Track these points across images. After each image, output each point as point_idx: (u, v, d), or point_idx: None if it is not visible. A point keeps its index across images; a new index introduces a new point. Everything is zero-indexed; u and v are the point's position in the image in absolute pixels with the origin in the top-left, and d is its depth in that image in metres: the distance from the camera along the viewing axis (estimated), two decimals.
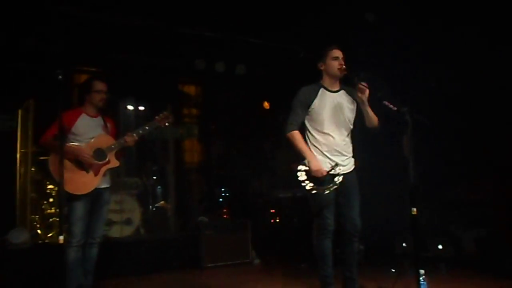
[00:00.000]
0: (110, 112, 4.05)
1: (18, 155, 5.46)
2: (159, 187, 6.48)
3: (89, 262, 3.63)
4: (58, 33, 5.60)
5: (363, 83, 3.20)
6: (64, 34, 5.60)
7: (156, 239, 5.43)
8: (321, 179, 3.17)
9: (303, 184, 3.14)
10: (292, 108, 3.40)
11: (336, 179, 3.18)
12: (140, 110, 6.88)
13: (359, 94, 3.23)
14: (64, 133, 3.32)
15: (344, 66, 3.31)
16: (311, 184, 3.14)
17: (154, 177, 6.38)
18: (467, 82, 4.73)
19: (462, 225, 5.06)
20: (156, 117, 3.80)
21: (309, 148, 3.34)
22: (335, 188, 3.17)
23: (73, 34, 5.60)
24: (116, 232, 5.33)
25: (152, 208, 6.15)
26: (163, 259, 5.13)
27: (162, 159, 6.76)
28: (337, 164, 3.23)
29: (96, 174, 3.57)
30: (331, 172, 3.21)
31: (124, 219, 5.42)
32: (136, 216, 5.56)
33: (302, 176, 3.16)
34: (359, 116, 3.41)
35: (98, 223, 3.68)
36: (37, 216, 5.45)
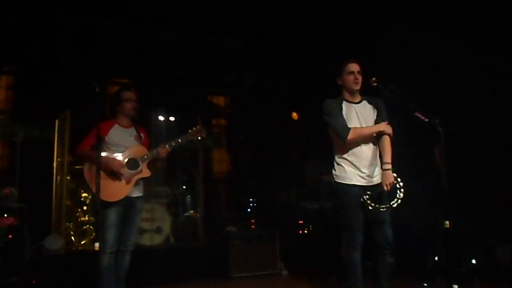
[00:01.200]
0: (141, 122, 4.15)
1: (54, 164, 5.65)
2: (188, 196, 6.56)
3: (121, 269, 3.68)
4: (93, 46, 5.80)
5: None
6: (99, 47, 5.80)
7: (185, 248, 5.50)
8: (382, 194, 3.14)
9: (367, 205, 3.12)
10: (327, 120, 3.35)
11: (397, 198, 3.12)
12: (170, 121, 7.02)
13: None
14: (100, 143, 3.42)
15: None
16: (373, 204, 3.12)
17: (184, 187, 6.47)
18: (504, 94, 4.63)
19: (497, 239, 4.90)
20: (190, 130, 3.85)
21: (338, 158, 3.33)
22: (397, 203, 3.12)
23: (108, 46, 5.80)
24: (147, 240, 5.41)
25: (182, 217, 6.23)
26: (192, 268, 5.18)
27: (191, 169, 6.84)
28: (399, 187, 3.16)
29: (127, 183, 3.63)
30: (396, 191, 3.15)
31: (154, 227, 5.50)
32: (166, 225, 5.63)
33: (364, 198, 3.15)
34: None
35: (131, 231, 3.73)
36: (71, 224, 5.61)
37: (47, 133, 5.81)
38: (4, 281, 4.34)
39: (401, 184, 3.13)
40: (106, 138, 3.64)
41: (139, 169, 3.69)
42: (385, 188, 3.16)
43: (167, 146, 3.75)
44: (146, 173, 3.73)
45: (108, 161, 3.59)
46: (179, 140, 3.81)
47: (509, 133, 4.65)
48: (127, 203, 3.65)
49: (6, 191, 5.12)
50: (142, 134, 3.90)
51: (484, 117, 4.73)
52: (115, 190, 3.57)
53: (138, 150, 3.74)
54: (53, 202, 5.58)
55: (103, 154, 3.59)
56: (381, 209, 3.12)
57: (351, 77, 3.35)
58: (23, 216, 5.09)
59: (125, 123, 3.82)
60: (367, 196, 3.14)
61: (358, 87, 3.35)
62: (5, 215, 4.99)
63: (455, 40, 4.74)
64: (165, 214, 5.68)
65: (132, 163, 3.67)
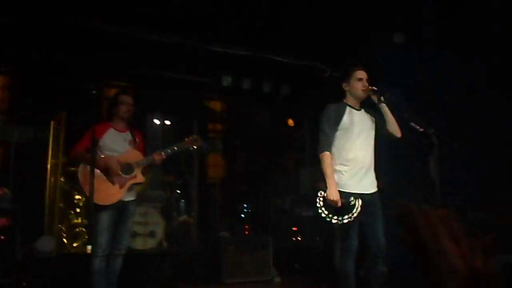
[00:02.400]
0: (137, 126, 4.14)
1: (48, 166, 5.62)
2: (182, 201, 6.55)
3: (112, 273, 3.67)
4: (90, 48, 5.80)
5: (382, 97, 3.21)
6: (96, 49, 5.80)
7: (178, 253, 5.49)
8: (339, 208, 3.15)
9: (320, 211, 3.14)
10: (321, 127, 3.38)
11: (354, 211, 3.14)
12: (166, 125, 7.01)
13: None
14: (95, 146, 3.41)
15: (369, 87, 3.32)
16: (327, 212, 3.14)
17: (178, 191, 6.46)
18: (500, 107, 4.66)
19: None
20: (186, 139, 3.87)
21: (337, 165, 3.34)
22: (351, 220, 3.14)
23: (105, 49, 5.80)
24: (139, 244, 5.39)
25: (175, 221, 6.21)
26: (185, 272, 5.17)
27: (186, 173, 6.84)
28: (355, 198, 3.19)
29: (121, 187, 3.63)
30: (350, 203, 3.18)
31: (148, 231, 5.48)
32: (160, 229, 5.62)
33: (320, 202, 3.16)
34: (384, 134, 3.40)
35: (123, 235, 3.73)
36: (64, 226, 5.57)
37: (42, 134, 5.78)
38: None
39: (359, 201, 3.14)
40: (100, 142, 3.62)
41: (133, 174, 3.68)
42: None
43: (163, 153, 3.75)
44: (140, 178, 3.73)
45: (106, 161, 3.58)
46: (175, 148, 3.82)
47: (502, 143, 4.68)
48: (120, 207, 3.65)
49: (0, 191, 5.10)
50: (137, 139, 3.88)
51: (478, 127, 4.76)
52: (108, 194, 3.57)
53: (133, 155, 3.74)
54: (46, 204, 5.55)
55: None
56: (339, 222, 3.13)
57: (359, 84, 3.36)
58: (15, 217, 5.05)
59: (120, 127, 3.81)
60: (325, 209, 3.15)
61: (365, 95, 3.37)
62: None
63: (449, 50, 4.78)
64: (158, 218, 5.66)
65: (127, 168, 3.66)
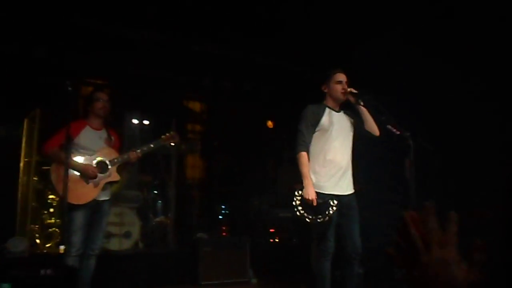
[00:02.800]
0: (114, 125, 4.10)
1: (21, 164, 5.48)
2: (159, 201, 6.48)
3: (86, 273, 3.63)
4: (67, 45, 5.69)
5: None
6: (73, 45, 5.70)
7: (155, 254, 5.42)
8: (315, 207, 3.18)
9: (295, 209, 3.17)
10: (299, 127, 3.41)
11: (330, 209, 3.17)
12: (144, 124, 6.93)
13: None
14: (70, 144, 3.35)
15: (348, 90, 3.36)
16: (303, 211, 3.16)
17: (155, 191, 6.38)
18: (473, 110, 4.77)
19: (461, 252, 5.00)
20: (162, 136, 3.85)
21: (315, 166, 3.35)
22: (326, 219, 3.17)
23: (82, 46, 5.70)
24: (114, 245, 5.31)
25: (152, 222, 6.14)
26: (161, 274, 5.10)
27: (163, 174, 6.77)
28: (331, 198, 3.22)
29: (95, 186, 3.59)
30: (326, 203, 3.21)
31: (123, 232, 5.40)
32: (136, 229, 5.54)
33: (297, 201, 3.18)
34: (359, 137, 3.44)
35: (97, 235, 3.69)
36: (36, 226, 5.44)
37: (15, 132, 5.63)
38: None
39: (335, 202, 3.17)
40: (76, 140, 3.57)
41: (107, 172, 3.63)
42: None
43: (138, 151, 3.72)
44: (115, 177, 3.69)
45: (80, 168, 3.53)
46: (152, 145, 3.80)
47: (479, 145, 4.79)
48: (94, 206, 3.61)
49: None
50: (113, 137, 3.84)
51: (454, 129, 4.86)
52: (82, 193, 3.52)
53: (108, 153, 3.69)
54: (19, 203, 5.41)
55: (73, 157, 3.51)
56: (318, 221, 3.16)
57: (339, 87, 3.39)
58: None
59: (96, 125, 3.76)
60: (300, 208, 3.19)
61: (344, 97, 3.40)
62: None
63: (429, 54, 4.87)
64: (134, 219, 5.59)
65: (101, 166, 3.62)
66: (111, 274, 4.69)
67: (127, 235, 5.42)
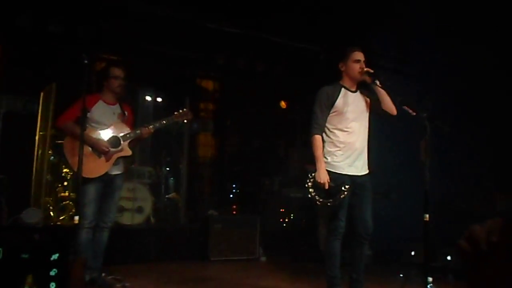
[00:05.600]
0: (128, 101, 4.10)
1: (37, 137, 5.56)
2: (171, 178, 6.54)
3: (99, 245, 3.68)
4: (82, 19, 5.68)
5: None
6: (88, 20, 5.69)
7: (166, 229, 5.50)
8: (327, 190, 3.18)
9: (308, 191, 3.19)
10: (314, 110, 3.37)
11: (341, 194, 3.17)
12: (158, 102, 6.95)
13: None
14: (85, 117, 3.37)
15: (365, 69, 3.31)
16: (314, 194, 3.17)
17: (168, 168, 6.44)
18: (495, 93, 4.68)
19: None
20: (176, 112, 3.83)
21: (330, 145, 3.34)
22: (336, 203, 3.18)
23: (98, 21, 5.69)
24: (127, 219, 5.39)
25: (164, 198, 6.21)
26: (171, 249, 5.19)
27: (176, 151, 6.82)
28: (343, 183, 3.22)
29: (107, 160, 3.61)
30: (338, 186, 3.20)
31: (136, 207, 5.47)
32: (148, 205, 5.61)
33: (309, 182, 3.19)
34: (379, 113, 3.40)
35: (110, 208, 3.74)
36: (51, 199, 5.54)
37: (31, 105, 5.70)
38: None
39: (346, 187, 3.17)
40: (89, 114, 3.57)
41: (120, 147, 3.65)
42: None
43: (150, 126, 3.73)
44: (127, 152, 3.71)
45: (93, 142, 3.55)
46: (164, 121, 3.79)
47: (495, 130, 4.71)
48: (107, 180, 3.65)
49: None
50: (126, 112, 3.85)
51: (472, 111, 4.77)
52: (94, 167, 3.55)
53: (121, 128, 3.70)
54: (33, 176, 5.50)
55: (86, 131, 3.48)
56: (328, 204, 3.17)
57: (357, 66, 3.33)
58: (1, 187, 5.01)
59: (110, 100, 3.77)
60: (312, 190, 3.19)
61: (362, 77, 3.34)
62: None
63: (450, 35, 4.77)
64: (147, 194, 5.65)
65: (114, 141, 3.64)
66: (123, 247, 4.78)
67: (139, 210, 5.50)
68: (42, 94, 5.57)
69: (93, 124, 3.61)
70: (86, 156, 3.43)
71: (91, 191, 3.54)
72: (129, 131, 3.70)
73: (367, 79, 3.29)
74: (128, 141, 3.69)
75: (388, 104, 3.31)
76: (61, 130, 3.77)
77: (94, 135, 3.59)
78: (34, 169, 5.53)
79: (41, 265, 1.63)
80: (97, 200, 3.59)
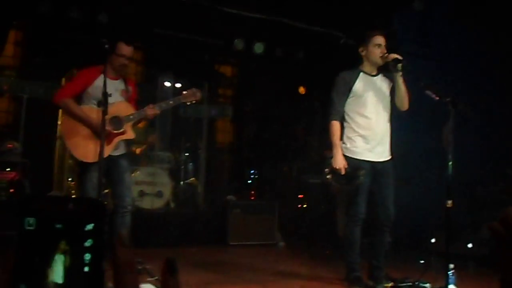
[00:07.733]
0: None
1: (59, 122, 5.64)
2: (190, 163, 6.58)
3: (121, 229, 3.63)
4: (103, 5, 5.71)
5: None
6: (109, 6, 5.71)
7: (185, 214, 5.57)
8: (344, 175, 3.18)
9: (326, 176, 3.20)
10: (331, 96, 3.35)
11: (358, 179, 3.17)
12: (177, 87, 6.97)
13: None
14: (80, 91, 3.27)
15: (386, 54, 3.24)
16: (331, 178, 3.20)
17: (186, 154, 6.48)
18: None
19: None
20: (184, 92, 3.57)
21: (349, 131, 3.31)
22: (353, 188, 3.18)
23: (118, 7, 5.70)
24: (147, 203, 5.45)
25: (183, 183, 6.27)
26: (190, 233, 5.25)
27: (195, 137, 6.85)
28: (360, 167, 3.20)
29: (108, 144, 3.24)
30: (355, 171, 3.20)
31: (155, 191, 5.53)
32: (167, 189, 5.66)
33: (328, 168, 3.21)
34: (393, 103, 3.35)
35: (123, 191, 3.44)
36: (73, 182, 5.64)
37: (53, 91, 5.77)
38: (3, 234, 4.39)
39: (362, 172, 3.17)
40: (89, 89, 3.29)
41: (122, 129, 3.33)
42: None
43: (156, 107, 3.43)
44: (130, 134, 3.40)
45: (92, 123, 3.22)
46: (171, 101, 3.57)
47: None
48: (110, 163, 3.32)
49: (9, 145, 5.15)
50: (130, 87, 3.53)
51: (494, 97, 4.66)
52: (94, 150, 3.13)
53: (124, 107, 3.39)
54: (56, 160, 5.60)
55: (85, 109, 3.29)
56: (343, 189, 3.23)
57: (377, 50, 3.27)
58: (25, 171, 5.13)
59: (112, 74, 3.39)
60: (329, 175, 3.20)
61: (382, 62, 3.28)
62: (8, 169, 5.03)
63: (471, 21, 4.64)
64: (166, 179, 5.70)
65: (115, 122, 3.30)
66: (142, 231, 4.84)
67: (159, 194, 5.55)
68: (63, 80, 5.64)
69: (93, 101, 3.28)
70: (84, 138, 3.24)
71: (93, 177, 3.20)
72: (133, 112, 3.38)
73: (391, 66, 3.21)
74: (131, 122, 3.38)
75: (401, 99, 3.26)
76: (57, 106, 3.44)
77: (93, 114, 3.20)
78: (56, 153, 5.63)
79: (76, 235, 1.65)
80: (103, 186, 3.20)
